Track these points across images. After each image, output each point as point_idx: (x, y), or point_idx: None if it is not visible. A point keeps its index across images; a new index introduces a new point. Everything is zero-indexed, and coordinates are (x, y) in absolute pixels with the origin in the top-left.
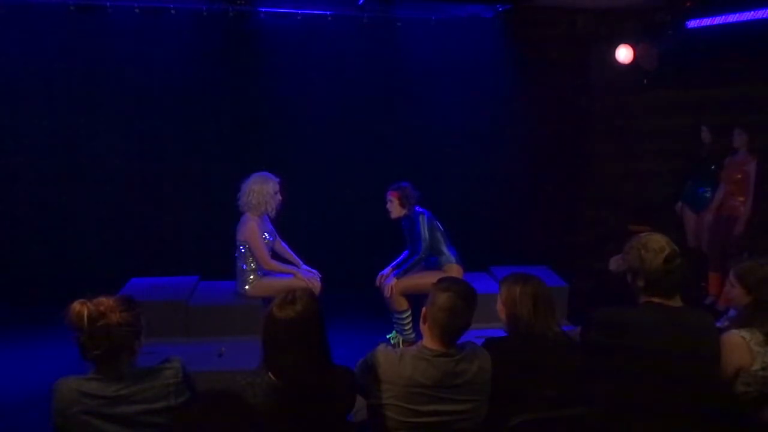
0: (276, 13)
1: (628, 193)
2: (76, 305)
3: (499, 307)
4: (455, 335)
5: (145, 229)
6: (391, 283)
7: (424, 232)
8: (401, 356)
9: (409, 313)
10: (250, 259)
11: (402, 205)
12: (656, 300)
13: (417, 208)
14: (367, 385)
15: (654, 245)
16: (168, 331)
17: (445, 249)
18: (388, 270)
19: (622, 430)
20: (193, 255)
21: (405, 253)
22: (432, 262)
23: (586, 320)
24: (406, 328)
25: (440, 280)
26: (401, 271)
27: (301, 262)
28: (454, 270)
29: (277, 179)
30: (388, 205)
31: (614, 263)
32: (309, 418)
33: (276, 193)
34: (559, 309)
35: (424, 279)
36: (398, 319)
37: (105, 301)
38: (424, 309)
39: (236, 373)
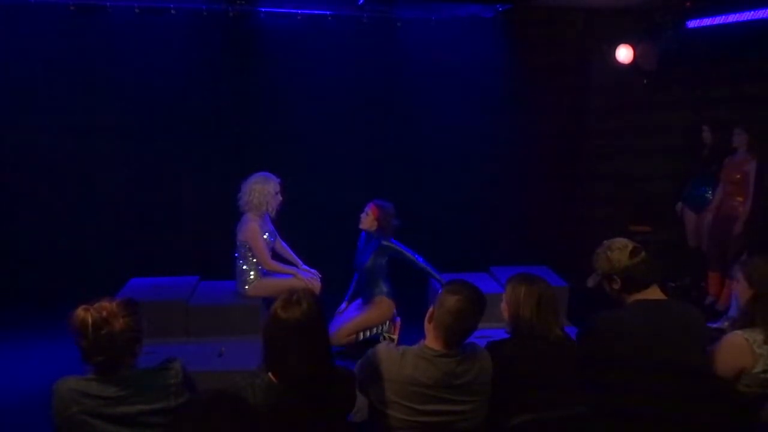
0: (276, 13)
1: (628, 193)
2: (80, 312)
3: (503, 306)
4: (459, 338)
5: (145, 229)
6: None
7: (373, 260)
8: (403, 354)
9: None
10: (251, 259)
11: (377, 225)
12: (639, 297)
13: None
14: (368, 383)
15: (617, 245)
16: (168, 331)
17: (382, 283)
18: (344, 305)
19: (622, 430)
20: (193, 255)
21: (355, 276)
22: (365, 294)
23: (583, 326)
24: (379, 332)
25: (449, 283)
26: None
27: (301, 262)
28: (385, 303)
29: (278, 179)
30: (363, 215)
31: (591, 280)
32: (309, 419)
33: (277, 194)
34: (559, 309)
35: (360, 318)
36: (370, 338)
37: (107, 306)
38: (431, 309)
39: (236, 373)
